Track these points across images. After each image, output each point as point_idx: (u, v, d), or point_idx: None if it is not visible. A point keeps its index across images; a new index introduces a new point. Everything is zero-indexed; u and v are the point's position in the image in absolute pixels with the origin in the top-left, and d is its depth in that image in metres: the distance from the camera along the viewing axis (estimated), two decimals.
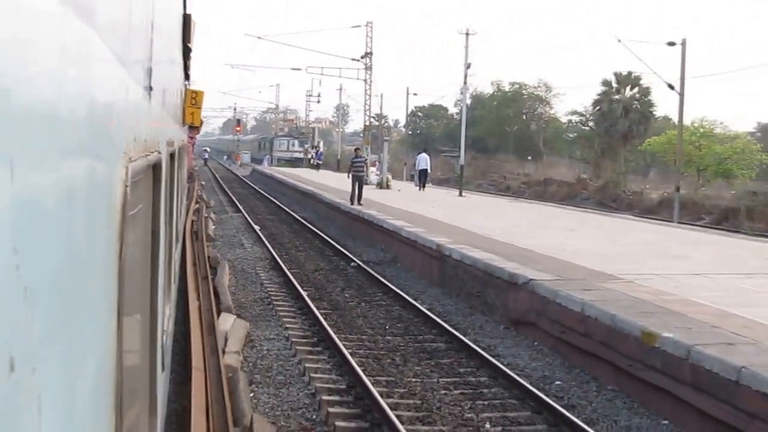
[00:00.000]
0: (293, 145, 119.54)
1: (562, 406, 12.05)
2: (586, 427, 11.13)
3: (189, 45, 8.95)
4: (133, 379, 3.05)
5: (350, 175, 39.99)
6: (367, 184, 43.86)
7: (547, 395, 12.56)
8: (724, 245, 25.92)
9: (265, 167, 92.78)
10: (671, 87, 49.56)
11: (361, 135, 67.19)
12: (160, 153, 4.06)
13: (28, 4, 1.20)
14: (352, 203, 36.72)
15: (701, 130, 73.43)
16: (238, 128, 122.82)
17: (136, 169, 2.57)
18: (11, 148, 1.08)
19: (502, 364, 14.30)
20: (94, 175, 1.75)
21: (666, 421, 11.88)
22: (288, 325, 17.69)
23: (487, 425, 11.66)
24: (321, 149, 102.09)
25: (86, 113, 1.66)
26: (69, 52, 1.44)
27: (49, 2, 1.34)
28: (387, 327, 17.76)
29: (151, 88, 3.66)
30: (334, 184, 53.73)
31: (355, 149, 48.97)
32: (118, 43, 2.17)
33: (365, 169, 39.60)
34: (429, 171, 58.06)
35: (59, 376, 1.41)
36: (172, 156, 5.88)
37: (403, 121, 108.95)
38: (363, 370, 13.51)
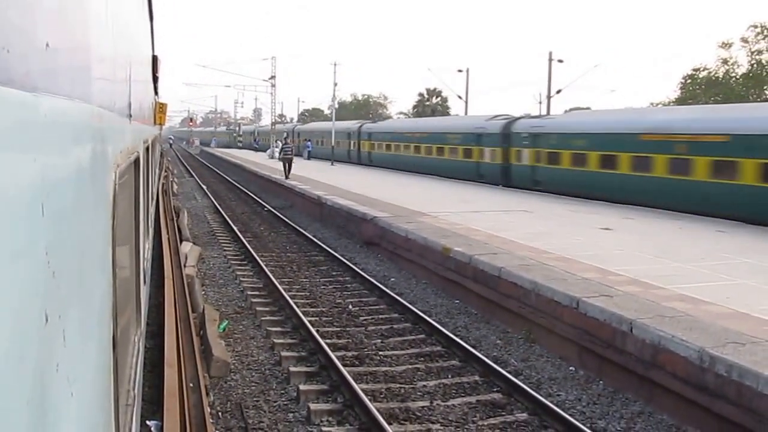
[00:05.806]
0: None
1: (395, 294, 12.23)
2: (412, 307, 11.32)
3: (157, 75, 8.69)
4: (124, 290, 2.95)
5: (281, 158, 32.95)
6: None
7: (386, 287, 12.69)
8: (495, 194, 26.50)
9: (212, 147, 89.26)
10: (460, 97, 50.72)
11: (270, 128, 65.96)
12: (138, 152, 4.06)
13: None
14: (286, 178, 30.47)
15: None
16: (191, 123, 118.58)
17: (122, 167, 2.66)
18: (48, 159, 1.11)
19: (359, 268, 14.35)
20: (98, 173, 1.83)
21: (457, 301, 12.18)
22: (225, 248, 17.33)
23: (350, 306, 11.74)
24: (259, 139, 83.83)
25: (98, 142, 1.82)
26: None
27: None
28: (287, 247, 17.55)
29: (131, 116, 3.67)
30: (253, 159, 52.71)
31: (285, 138, 36.84)
32: (113, 104, 2.49)
33: (292, 152, 32.60)
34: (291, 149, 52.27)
35: (77, 306, 1.36)
36: (147, 148, 5.72)
37: (296, 119, 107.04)
38: (273, 275, 13.37)
